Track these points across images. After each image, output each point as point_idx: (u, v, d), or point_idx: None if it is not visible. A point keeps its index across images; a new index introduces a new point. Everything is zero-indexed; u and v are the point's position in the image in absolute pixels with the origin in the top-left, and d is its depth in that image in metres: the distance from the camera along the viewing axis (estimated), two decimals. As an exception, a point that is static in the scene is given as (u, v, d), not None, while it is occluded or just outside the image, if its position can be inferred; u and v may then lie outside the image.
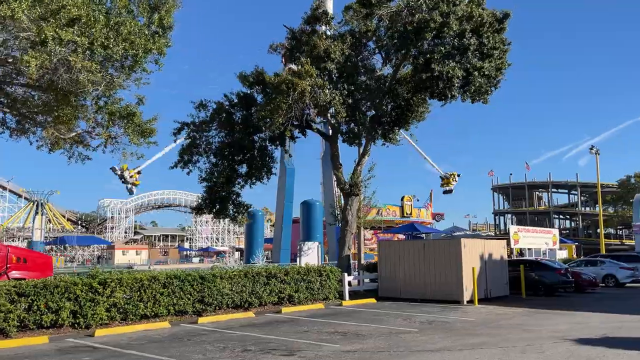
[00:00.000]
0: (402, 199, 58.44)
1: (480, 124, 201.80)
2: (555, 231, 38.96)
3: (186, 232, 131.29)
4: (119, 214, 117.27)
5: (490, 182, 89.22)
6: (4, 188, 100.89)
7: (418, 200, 67.10)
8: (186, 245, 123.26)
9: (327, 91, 18.79)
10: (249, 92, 21.99)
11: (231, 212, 22.19)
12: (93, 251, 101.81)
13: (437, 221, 65.92)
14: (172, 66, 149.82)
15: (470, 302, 20.26)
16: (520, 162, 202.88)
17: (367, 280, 23.96)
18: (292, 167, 48.59)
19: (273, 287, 18.78)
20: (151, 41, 13.61)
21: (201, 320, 15.65)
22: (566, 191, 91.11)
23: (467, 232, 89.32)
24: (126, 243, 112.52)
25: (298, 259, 25.41)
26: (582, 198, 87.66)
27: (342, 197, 24.76)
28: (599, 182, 50.77)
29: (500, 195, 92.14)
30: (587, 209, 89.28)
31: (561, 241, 46.66)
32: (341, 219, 24.29)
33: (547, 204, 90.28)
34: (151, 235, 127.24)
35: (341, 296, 21.28)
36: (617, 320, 15.55)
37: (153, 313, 15.44)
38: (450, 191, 43.56)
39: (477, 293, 20.25)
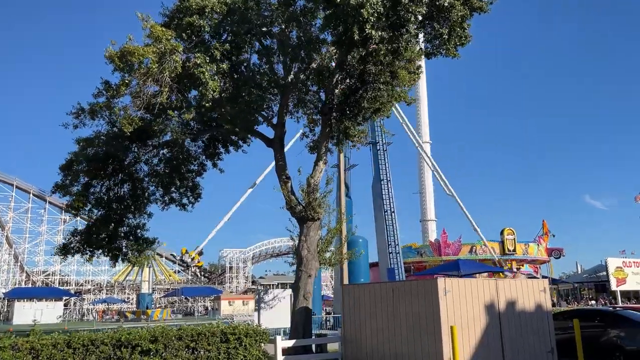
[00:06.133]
0: (502, 232, 48.04)
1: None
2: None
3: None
4: (237, 263, 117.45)
5: (640, 208, 72.85)
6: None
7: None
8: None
9: (177, 58, 12.37)
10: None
11: (129, 250, 16.29)
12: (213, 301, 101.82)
13: (556, 258, 53.31)
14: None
15: (457, 386, 11.92)
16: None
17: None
18: (349, 199, 41.82)
19: (126, 365, 12.36)
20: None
21: None
22: None
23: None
24: (244, 293, 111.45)
25: (256, 315, 18.50)
26: None
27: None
28: None
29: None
30: None
31: None
32: (295, 255, 17.16)
33: None
34: (269, 284, 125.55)
35: (270, 373, 14.13)
36: None
37: None
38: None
39: (461, 372, 11.87)
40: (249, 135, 17.52)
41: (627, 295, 45.72)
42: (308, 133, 17.88)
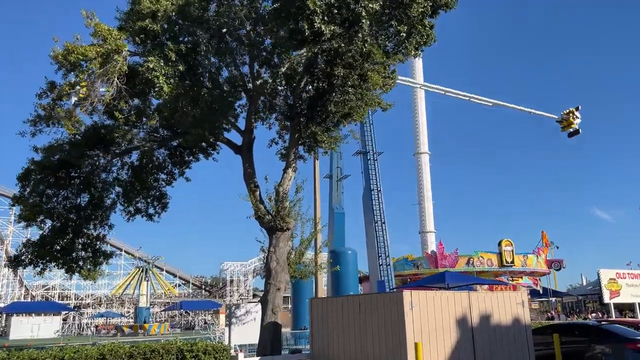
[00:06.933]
0: (500, 243, 47.02)
1: None
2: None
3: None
4: (238, 277, 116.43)
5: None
6: (134, 256, 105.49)
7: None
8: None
9: (119, 57, 11.73)
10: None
11: (87, 263, 15.54)
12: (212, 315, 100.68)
13: (557, 270, 52.08)
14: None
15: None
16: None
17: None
18: (342, 210, 41.03)
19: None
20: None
21: None
22: None
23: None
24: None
25: (227, 331, 17.71)
26: None
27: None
28: None
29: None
30: None
31: None
32: (264, 267, 16.41)
33: None
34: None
35: (231, 393, 13.30)
36: None
37: None
38: (577, 132, 34.88)
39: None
40: (217, 142, 16.87)
41: (630, 307, 44.55)
42: (278, 140, 17.23)
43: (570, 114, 35.64)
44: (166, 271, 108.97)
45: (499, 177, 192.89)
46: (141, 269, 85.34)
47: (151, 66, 11.99)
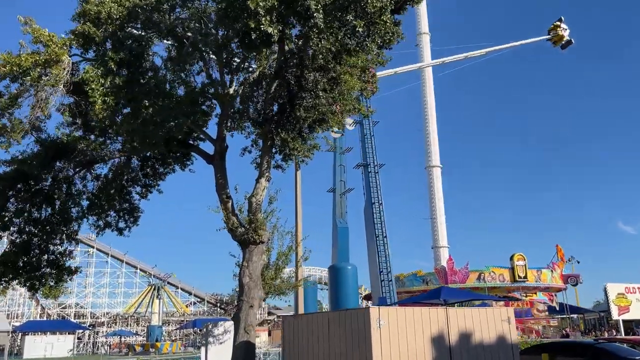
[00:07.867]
0: (512, 258, 45.46)
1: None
2: None
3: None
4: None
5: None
6: (150, 274, 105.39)
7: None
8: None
9: (58, 69, 11.07)
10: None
11: (49, 280, 14.86)
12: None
13: (573, 285, 50.06)
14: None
15: None
16: None
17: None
18: (345, 225, 40.13)
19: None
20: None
21: None
22: None
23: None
24: (260, 324, 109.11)
25: (203, 350, 16.85)
26: None
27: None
28: None
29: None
30: None
31: None
32: (238, 283, 15.56)
33: None
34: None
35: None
36: None
37: None
38: (569, 42, 35.65)
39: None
40: (190, 152, 16.17)
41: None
42: (251, 148, 16.44)
43: (557, 28, 36.41)
44: (181, 289, 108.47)
45: (514, 189, 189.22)
46: (153, 287, 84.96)
47: (85, 77, 11.36)
